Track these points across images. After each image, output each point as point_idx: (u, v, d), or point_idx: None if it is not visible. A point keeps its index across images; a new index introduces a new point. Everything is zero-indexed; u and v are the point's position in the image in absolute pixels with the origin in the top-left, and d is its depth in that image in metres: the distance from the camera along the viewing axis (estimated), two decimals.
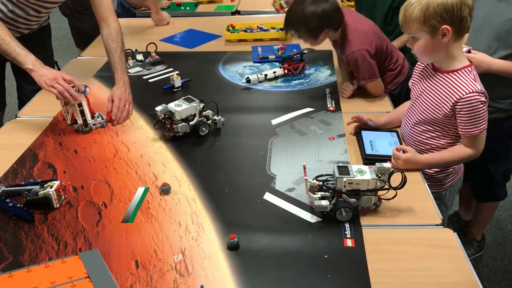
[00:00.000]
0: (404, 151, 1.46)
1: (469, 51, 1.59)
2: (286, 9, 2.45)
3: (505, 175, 2.05)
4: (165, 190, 1.41)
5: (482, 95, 1.36)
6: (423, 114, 1.50)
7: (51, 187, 1.35)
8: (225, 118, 1.73)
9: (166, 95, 2.02)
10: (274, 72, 2.12)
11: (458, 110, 1.39)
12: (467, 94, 1.36)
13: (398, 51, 2.03)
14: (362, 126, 1.66)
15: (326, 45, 2.46)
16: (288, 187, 1.42)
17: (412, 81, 1.60)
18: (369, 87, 1.89)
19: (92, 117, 1.76)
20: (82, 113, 1.72)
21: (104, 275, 1.12)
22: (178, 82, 2.05)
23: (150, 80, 2.15)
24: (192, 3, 3.25)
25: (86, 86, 1.70)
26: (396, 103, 1.87)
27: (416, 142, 1.55)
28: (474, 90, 1.36)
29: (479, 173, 2.02)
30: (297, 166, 1.51)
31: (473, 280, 1.10)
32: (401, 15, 1.40)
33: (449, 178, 1.59)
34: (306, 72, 2.18)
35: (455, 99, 1.38)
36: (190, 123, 1.66)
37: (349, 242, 1.21)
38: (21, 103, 2.30)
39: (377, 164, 1.26)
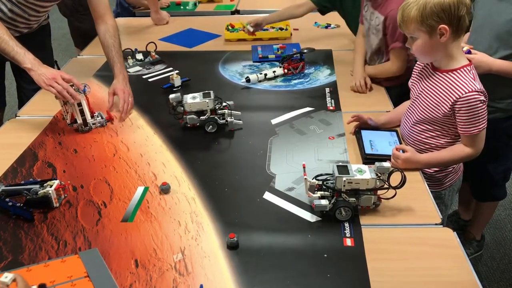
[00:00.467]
0: (403, 151, 1.46)
1: (469, 51, 1.59)
2: (255, 32, 2.47)
3: (504, 175, 2.05)
4: (164, 189, 1.41)
5: (482, 94, 1.36)
6: (423, 114, 1.50)
7: (51, 186, 1.35)
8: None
9: (165, 94, 2.02)
10: (274, 71, 2.12)
11: (457, 109, 1.39)
12: (466, 93, 1.36)
13: None
14: (362, 126, 1.66)
15: (326, 44, 2.48)
16: (287, 186, 1.42)
17: (412, 80, 1.60)
18: (396, 54, 1.88)
19: (92, 117, 1.75)
20: (82, 112, 1.72)
21: (104, 274, 1.12)
22: (177, 81, 2.05)
23: (149, 80, 2.15)
24: (192, 2, 3.24)
25: (86, 85, 1.70)
26: (396, 103, 1.87)
27: (416, 142, 1.55)
28: (474, 89, 1.36)
29: (478, 173, 2.02)
30: (296, 166, 1.51)
31: (473, 280, 1.10)
32: (399, 15, 1.40)
33: (449, 178, 1.59)
34: (306, 71, 2.18)
35: (454, 98, 1.38)
36: (201, 117, 1.68)
37: (348, 242, 1.21)
38: (21, 103, 2.30)
39: (377, 164, 1.26)
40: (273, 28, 2.62)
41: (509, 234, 2.46)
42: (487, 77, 1.54)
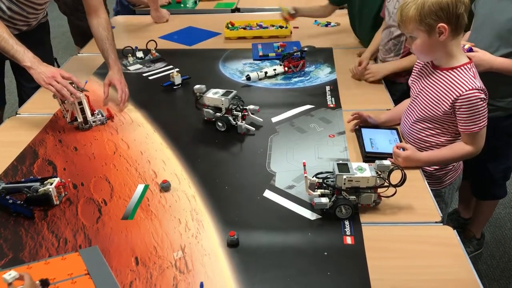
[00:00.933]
0: (404, 149, 1.46)
1: (471, 49, 1.59)
2: (295, 17, 2.45)
3: (505, 173, 2.05)
4: (165, 187, 1.41)
5: (482, 92, 1.36)
6: (423, 112, 1.50)
7: (51, 184, 1.35)
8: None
9: (166, 92, 2.02)
10: (274, 69, 2.12)
11: (458, 107, 1.39)
12: (466, 91, 1.36)
13: None
14: (362, 124, 1.66)
15: (326, 42, 2.48)
16: (288, 184, 1.42)
17: (412, 79, 1.60)
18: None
19: (92, 114, 1.75)
20: (82, 110, 1.72)
21: (104, 272, 1.12)
22: (178, 79, 2.05)
23: (150, 78, 2.15)
24: (192, 0, 3.24)
25: (86, 82, 1.70)
26: (396, 101, 1.87)
27: (416, 140, 1.55)
28: (474, 87, 1.36)
29: (479, 172, 2.02)
30: (297, 164, 1.51)
31: (472, 278, 1.10)
32: (398, 15, 1.40)
33: (449, 176, 1.59)
34: (306, 69, 2.18)
35: (454, 96, 1.38)
36: (216, 113, 1.68)
37: (348, 240, 1.21)
38: (21, 101, 2.30)
39: (377, 162, 1.26)
40: (273, 26, 2.62)
41: (509, 232, 2.46)
42: (488, 76, 1.54)
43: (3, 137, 1.73)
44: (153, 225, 1.28)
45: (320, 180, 1.31)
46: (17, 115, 1.88)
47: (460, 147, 1.45)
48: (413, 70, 1.61)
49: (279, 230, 1.26)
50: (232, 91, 1.71)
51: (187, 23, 2.84)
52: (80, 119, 1.72)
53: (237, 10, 3.15)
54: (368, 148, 1.53)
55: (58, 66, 2.12)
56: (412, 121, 1.55)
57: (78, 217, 1.32)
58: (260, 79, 2.09)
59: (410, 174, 1.33)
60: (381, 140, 1.58)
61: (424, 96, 1.50)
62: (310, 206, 1.31)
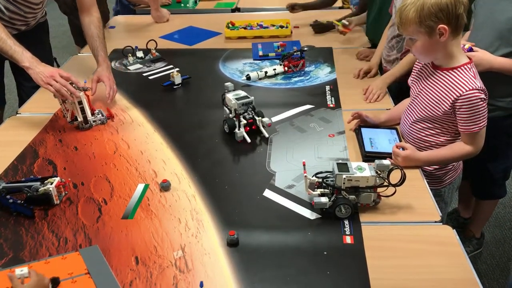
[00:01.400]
0: (403, 148, 1.46)
1: (471, 49, 1.59)
2: (351, 28, 2.43)
3: (504, 173, 2.05)
4: (165, 186, 1.41)
5: (482, 92, 1.36)
6: (423, 112, 1.50)
7: (51, 183, 1.35)
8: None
9: (166, 92, 2.02)
10: (274, 69, 2.12)
11: (458, 107, 1.39)
12: (467, 91, 1.36)
13: None
14: (362, 123, 1.66)
15: (326, 42, 2.48)
16: (287, 184, 1.42)
17: (412, 79, 1.60)
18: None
19: (92, 114, 1.76)
20: (82, 110, 1.72)
21: (104, 271, 1.13)
22: (178, 79, 2.05)
23: (150, 78, 2.15)
24: (192, 0, 3.24)
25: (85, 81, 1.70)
26: (392, 98, 1.87)
27: (416, 140, 1.55)
28: (474, 87, 1.36)
29: (478, 171, 2.02)
30: (296, 163, 1.51)
31: (472, 277, 1.10)
32: (397, 17, 1.39)
33: (448, 175, 1.59)
34: (306, 69, 2.18)
35: (455, 96, 1.38)
36: (230, 114, 1.67)
37: (348, 239, 1.21)
38: (21, 101, 2.30)
39: (377, 161, 1.26)
40: (273, 25, 2.62)
41: (509, 232, 2.46)
42: (488, 75, 1.54)
43: (3, 137, 1.73)
44: (153, 224, 1.29)
45: (320, 180, 1.31)
46: (17, 115, 1.88)
47: (460, 147, 1.45)
48: (413, 70, 1.61)
49: (279, 229, 1.26)
50: (249, 98, 1.66)
51: (187, 22, 2.84)
52: (80, 118, 1.72)
53: (237, 9, 3.15)
54: (368, 148, 1.53)
55: (58, 66, 2.12)
56: (412, 121, 1.56)
57: (78, 216, 1.32)
58: (260, 79, 2.09)
59: (410, 174, 1.33)
60: (380, 140, 1.58)
61: (424, 96, 1.50)
62: (310, 205, 1.32)
